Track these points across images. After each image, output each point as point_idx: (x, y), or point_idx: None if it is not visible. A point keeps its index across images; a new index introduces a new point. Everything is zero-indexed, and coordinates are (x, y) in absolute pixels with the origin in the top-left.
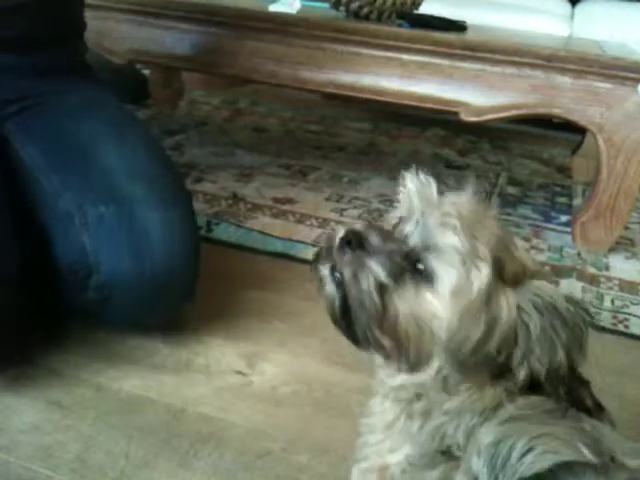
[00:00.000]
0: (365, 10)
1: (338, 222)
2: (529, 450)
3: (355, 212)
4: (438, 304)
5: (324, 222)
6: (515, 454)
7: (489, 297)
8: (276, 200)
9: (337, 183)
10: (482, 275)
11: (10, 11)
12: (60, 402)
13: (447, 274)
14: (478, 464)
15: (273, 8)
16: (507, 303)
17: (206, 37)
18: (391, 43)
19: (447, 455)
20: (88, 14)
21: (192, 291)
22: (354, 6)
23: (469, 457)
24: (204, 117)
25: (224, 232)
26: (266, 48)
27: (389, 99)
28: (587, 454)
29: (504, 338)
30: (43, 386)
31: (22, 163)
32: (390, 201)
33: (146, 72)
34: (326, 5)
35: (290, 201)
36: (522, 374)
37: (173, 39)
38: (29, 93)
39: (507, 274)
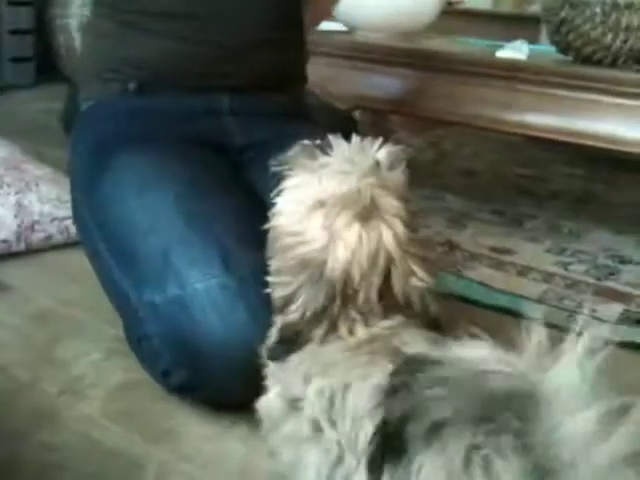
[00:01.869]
0: (598, 55)
1: (563, 277)
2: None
3: (581, 267)
4: None
5: (548, 276)
6: (340, 396)
7: None
8: (493, 249)
9: (556, 234)
10: None
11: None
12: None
13: None
14: (315, 412)
15: (501, 54)
16: None
17: (430, 83)
18: (630, 90)
19: (294, 407)
20: (316, 60)
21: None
22: (587, 50)
23: (307, 406)
24: (410, 159)
25: (442, 281)
26: (491, 94)
27: (628, 149)
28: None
29: None
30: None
31: None
32: (619, 257)
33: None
34: (552, 49)
35: (508, 251)
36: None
37: (396, 85)
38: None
39: None
